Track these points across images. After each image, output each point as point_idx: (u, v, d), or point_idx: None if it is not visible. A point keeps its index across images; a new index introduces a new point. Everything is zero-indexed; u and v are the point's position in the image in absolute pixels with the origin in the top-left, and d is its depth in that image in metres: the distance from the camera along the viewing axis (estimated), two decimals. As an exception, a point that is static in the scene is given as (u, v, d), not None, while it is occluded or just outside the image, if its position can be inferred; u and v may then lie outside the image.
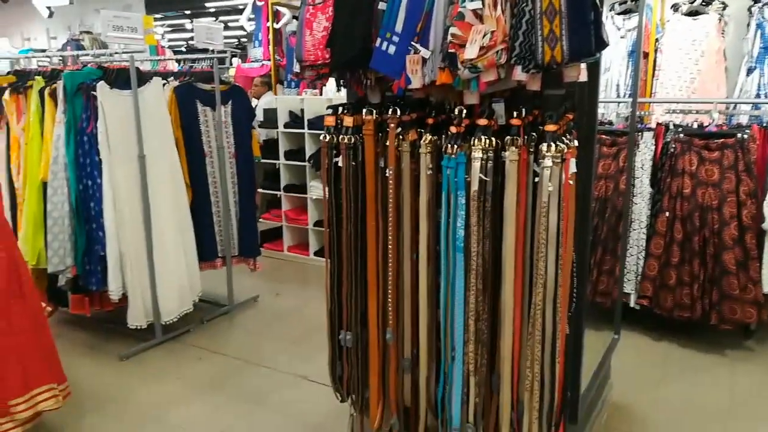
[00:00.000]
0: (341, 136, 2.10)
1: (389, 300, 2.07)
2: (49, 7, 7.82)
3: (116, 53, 3.51)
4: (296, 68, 2.11)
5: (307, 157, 5.13)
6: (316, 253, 5.31)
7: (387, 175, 2.03)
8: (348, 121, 2.08)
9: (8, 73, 3.96)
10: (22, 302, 2.42)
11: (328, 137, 2.15)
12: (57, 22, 11.04)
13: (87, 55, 3.91)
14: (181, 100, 3.71)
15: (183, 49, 15.14)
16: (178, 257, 3.58)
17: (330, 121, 2.16)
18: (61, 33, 11.33)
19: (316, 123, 5.03)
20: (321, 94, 5.36)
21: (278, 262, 5.37)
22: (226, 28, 14.91)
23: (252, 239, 4.19)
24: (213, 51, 3.95)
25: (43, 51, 11.13)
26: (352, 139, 2.09)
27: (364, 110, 2.07)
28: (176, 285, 3.57)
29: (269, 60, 7.85)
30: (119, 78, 3.29)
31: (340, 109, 2.17)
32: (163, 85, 3.59)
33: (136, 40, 3.31)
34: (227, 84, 4.00)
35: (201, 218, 3.83)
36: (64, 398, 2.55)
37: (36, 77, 3.52)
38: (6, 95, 3.58)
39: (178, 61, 5.96)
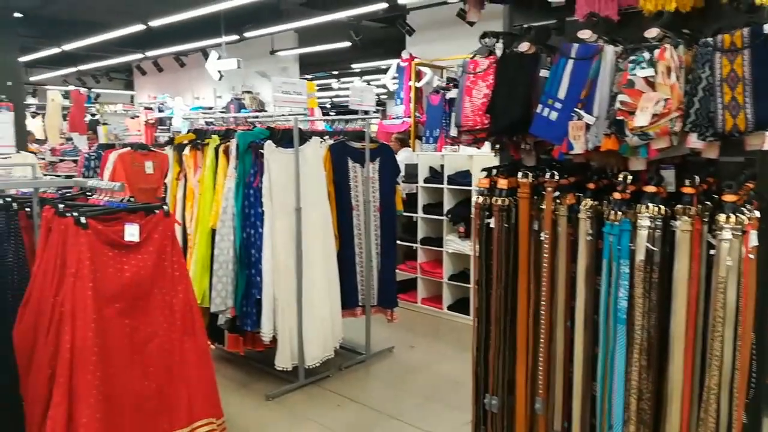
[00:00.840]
0: (495, 198, 2.13)
1: (540, 367, 2.01)
2: (219, 71, 8.79)
3: (282, 115, 3.85)
4: (453, 132, 2.19)
5: (445, 212, 5.21)
6: (449, 307, 5.30)
7: (542, 238, 2.01)
8: (503, 183, 2.11)
9: (188, 131, 4.51)
10: (193, 339, 2.66)
11: (481, 198, 2.19)
12: (222, 83, 12.33)
13: (256, 117, 4.32)
14: (335, 157, 3.97)
15: (327, 105, 16.25)
16: (324, 304, 3.76)
17: (484, 182, 2.19)
18: (225, 92, 12.65)
19: (456, 179, 5.12)
20: (459, 151, 5.46)
21: (411, 313, 5.42)
22: (370, 84, 15.78)
23: (391, 290, 4.29)
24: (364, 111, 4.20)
25: (210, 108, 12.51)
26: (506, 201, 2.10)
27: (520, 173, 2.09)
28: (321, 331, 3.73)
29: (410, 117, 8.18)
30: (284, 137, 3.60)
31: (494, 171, 2.21)
32: (320, 143, 3.87)
33: (300, 103, 3.63)
34: (376, 143, 4.22)
35: (346, 268, 4.00)
36: (220, 432, 2.74)
37: (212, 136, 3.97)
38: (186, 151, 4.05)
39: (327, 120, 6.38)
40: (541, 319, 2.00)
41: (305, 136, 3.72)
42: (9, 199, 2.82)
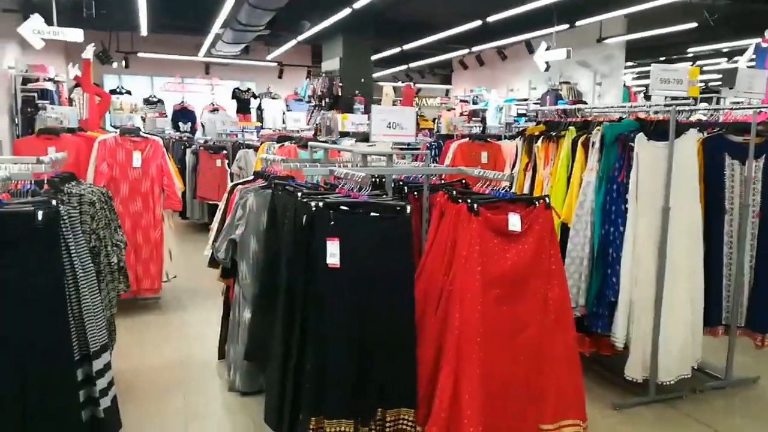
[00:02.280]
0: None
1: None
2: (546, 62, 8.71)
3: (654, 105, 3.55)
4: None
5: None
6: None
7: None
8: None
9: (537, 123, 4.50)
10: (564, 335, 2.62)
11: None
12: (537, 74, 12.26)
13: (623, 106, 4.09)
14: (708, 152, 3.50)
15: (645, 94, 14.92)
16: (685, 316, 3.37)
17: None
18: (540, 84, 12.56)
19: None
20: None
21: (775, 341, 4.54)
22: (701, 72, 13.95)
23: (766, 312, 3.63)
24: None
25: (524, 100, 12.58)
26: None
27: None
28: (679, 345, 3.35)
29: (771, 106, 6.90)
30: (657, 129, 3.30)
31: None
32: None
33: (680, 92, 3.28)
34: (763, 136, 3.59)
35: (710, 279, 3.51)
36: (584, 436, 2.64)
37: (569, 128, 3.86)
38: (538, 142, 4.04)
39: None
40: None
41: (680, 129, 3.34)
42: (401, 183, 3.17)
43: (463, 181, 3.23)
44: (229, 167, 7.77)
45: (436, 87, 18.75)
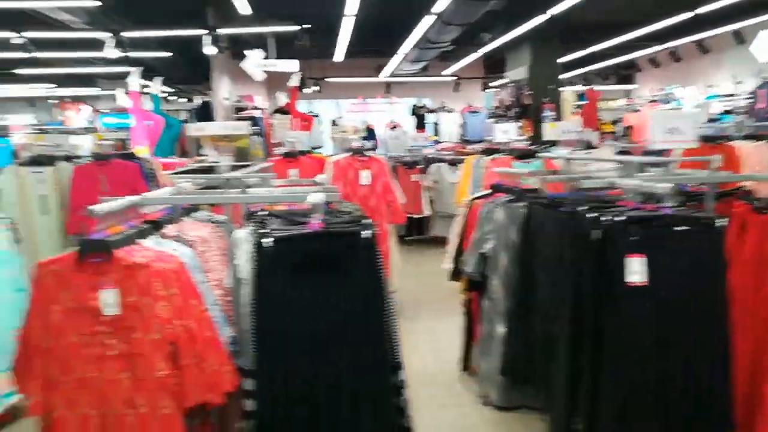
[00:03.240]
0: None
1: None
2: (774, 52, 7.73)
3: None
4: None
5: None
6: None
7: None
8: None
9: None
10: None
11: None
12: (743, 67, 10.99)
13: None
14: None
15: None
16: None
17: None
18: (747, 77, 11.20)
19: None
20: None
21: None
22: None
23: None
24: None
25: (730, 95, 11.33)
26: None
27: None
28: None
29: None
30: None
31: None
32: None
33: None
34: None
35: None
36: None
37: None
38: None
39: None
40: None
41: None
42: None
43: (743, 188, 2.91)
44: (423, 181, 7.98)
45: (614, 88, 17.66)
